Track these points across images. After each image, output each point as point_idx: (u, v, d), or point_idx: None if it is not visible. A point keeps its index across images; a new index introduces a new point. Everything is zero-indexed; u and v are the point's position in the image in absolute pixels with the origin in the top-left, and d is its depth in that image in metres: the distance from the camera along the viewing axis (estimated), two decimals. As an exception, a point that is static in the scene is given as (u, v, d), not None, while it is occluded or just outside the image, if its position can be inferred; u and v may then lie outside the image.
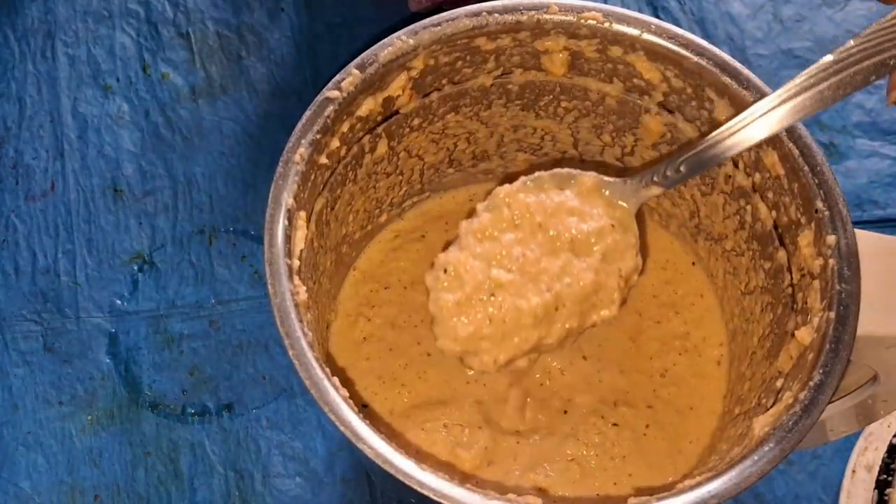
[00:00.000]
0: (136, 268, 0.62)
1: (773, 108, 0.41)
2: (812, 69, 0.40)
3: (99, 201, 0.64)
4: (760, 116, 0.41)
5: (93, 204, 0.63)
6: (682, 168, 0.44)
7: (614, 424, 0.48)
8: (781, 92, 0.41)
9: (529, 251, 0.44)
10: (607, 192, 0.45)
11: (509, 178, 0.49)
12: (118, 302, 0.61)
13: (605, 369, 0.49)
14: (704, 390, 0.49)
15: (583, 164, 0.53)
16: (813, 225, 0.42)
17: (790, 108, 0.41)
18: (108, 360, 0.59)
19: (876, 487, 0.55)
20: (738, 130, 0.42)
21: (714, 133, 0.43)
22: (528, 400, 0.48)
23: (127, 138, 0.66)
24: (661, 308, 0.51)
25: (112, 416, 0.58)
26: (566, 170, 0.46)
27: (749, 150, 0.43)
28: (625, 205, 0.45)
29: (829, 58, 0.40)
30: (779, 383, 0.42)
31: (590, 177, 0.46)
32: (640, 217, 0.46)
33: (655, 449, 0.47)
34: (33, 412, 0.58)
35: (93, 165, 0.65)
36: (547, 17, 0.46)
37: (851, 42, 0.40)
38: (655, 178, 0.45)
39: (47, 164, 0.64)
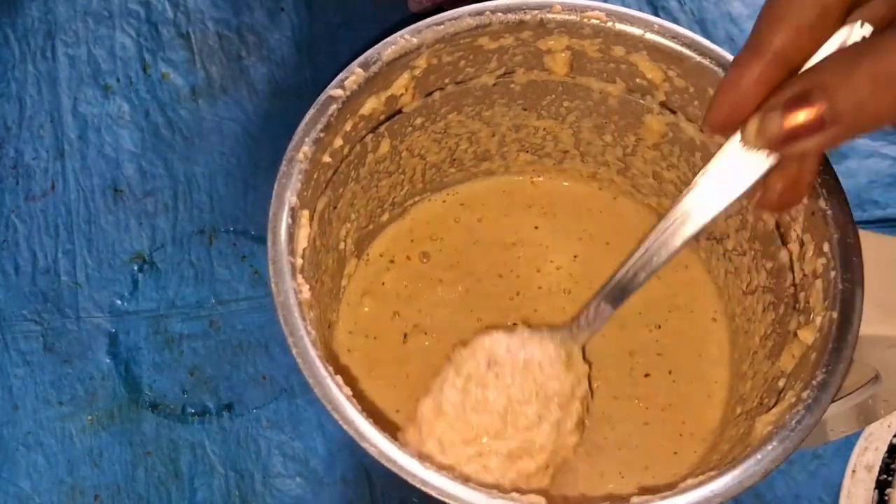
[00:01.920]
0: (136, 268, 0.62)
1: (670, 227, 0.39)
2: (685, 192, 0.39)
3: (99, 201, 0.63)
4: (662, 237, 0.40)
5: (93, 204, 0.63)
6: (602, 305, 0.43)
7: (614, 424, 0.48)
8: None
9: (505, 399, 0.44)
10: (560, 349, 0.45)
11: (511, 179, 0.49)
12: (118, 302, 0.61)
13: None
14: (706, 390, 0.49)
15: (584, 163, 0.53)
16: (815, 224, 0.42)
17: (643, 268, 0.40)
18: (108, 360, 0.59)
19: (876, 487, 0.55)
20: (644, 264, 0.41)
21: (621, 267, 0.42)
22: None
23: (127, 138, 0.66)
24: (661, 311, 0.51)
25: (112, 416, 0.58)
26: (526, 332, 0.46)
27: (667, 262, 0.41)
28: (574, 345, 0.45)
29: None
30: (781, 383, 0.42)
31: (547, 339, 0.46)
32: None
33: (657, 448, 0.47)
34: (33, 412, 0.58)
35: (93, 165, 0.64)
36: (550, 16, 0.46)
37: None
38: (583, 322, 0.44)
39: (47, 164, 0.64)
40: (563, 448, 0.45)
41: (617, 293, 0.42)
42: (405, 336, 0.50)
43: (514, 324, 0.50)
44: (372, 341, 0.50)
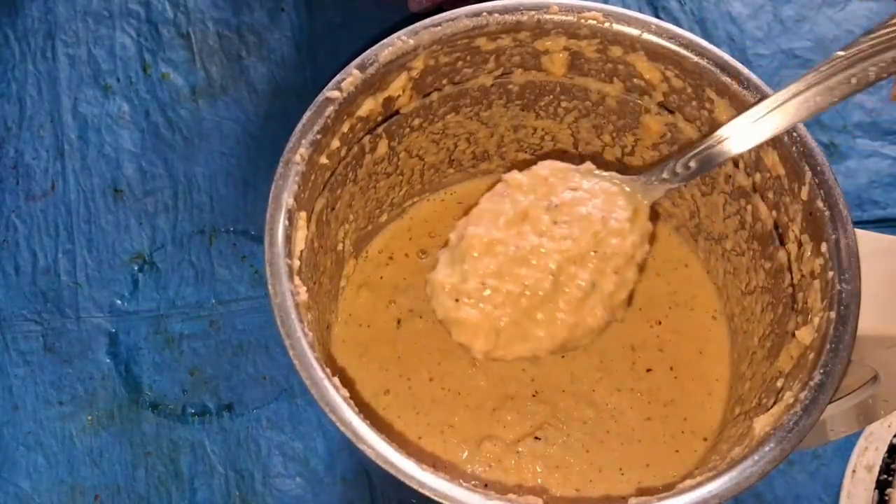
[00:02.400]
0: (136, 268, 0.62)
1: (785, 102, 0.41)
2: (822, 65, 0.40)
3: (99, 201, 0.64)
4: (771, 111, 0.41)
5: (93, 204, 0.63)
6: (691, 164, 0.43)
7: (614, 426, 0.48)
8: (792, 87, 0.40)
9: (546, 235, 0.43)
10: (627, 189, 0.45)
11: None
12: (118, 302, 0.61)
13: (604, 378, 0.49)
14: (707, 388, 0.49)
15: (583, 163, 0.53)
16: (813, 225, 0.42)
17: (800, 101, 0.40)
18: (108, 361, 0.59)
19: (876, 487, 0.55)
20: (750, 125, 0.42)
21: (723, 128, 0.42)
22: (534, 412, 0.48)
23: (127, 138, 0.66)
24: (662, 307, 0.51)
25: (112, 416, 0.58)
26: (585, 166, 0.45)
27: (761, 145, 0.42)
28: (643, 200, 0.45)
29: (839, 53, 0.40)
30: (779, 383, 0.42)
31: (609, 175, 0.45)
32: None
33: (659, 444, 0.47)
34: (33, 412, 0.58)
35: (93, 165, 0.65)
36: (547, 17, 0.46)
37: (861, 39, 0.39)
38: (665, 175, 0.44)
39: (47, 164, 0.64)
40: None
41: (706, 157, 0.42)
42: (399, 321, 0.50)
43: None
44: (366, 329, 0.50)
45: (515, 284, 0.42)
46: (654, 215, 0.50)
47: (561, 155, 0.53)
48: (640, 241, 0.44)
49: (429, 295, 0.44)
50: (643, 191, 0.44)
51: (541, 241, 0.43)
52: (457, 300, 0.42)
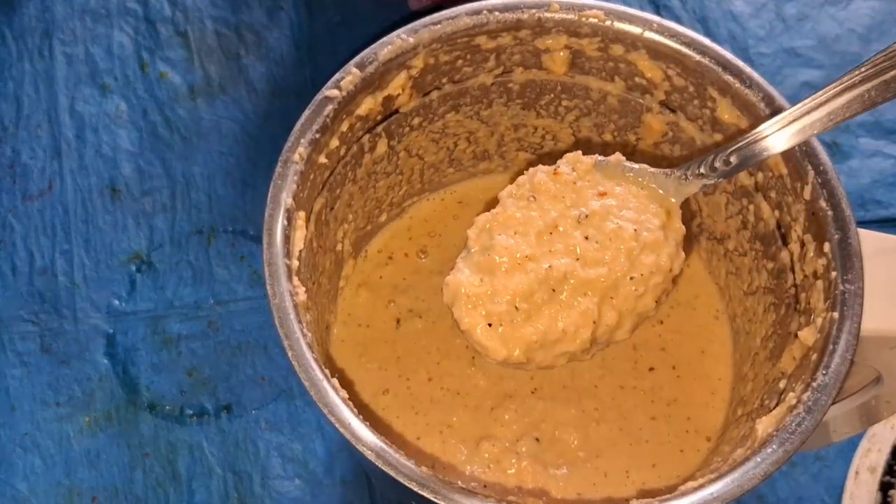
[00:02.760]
0: (134, 268, 0.62)
1: (835, 96, 0.39)
2: (875, 57, 0.38)
3: (97, 201, 0.63)
4: (820, 106, 0.39)
5: (90, 204, 0.63)
6: (732, 159, 0.41)
7: (620, 429, 0.47)
8: (845, 79, 0.39)
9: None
10: (655, 187, 0.43)
11: (511, 179, 0.49)
12: (116, 302, 0.60)
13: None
14: (710, 387, 0.49)
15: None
16: (816, 225, 0.42)
17: (853, 96, 0.38)
18: (105, 361, 0.59)
19: (879, 489, 0.55)
20: (795, 121, 0.40)
21: (767, 123, 0.41)
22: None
23: (125, 138, 0.65)
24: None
25: (110, 417, 0.58)
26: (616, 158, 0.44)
27: (805, 141, 0.41)
28: (673, 200, 0.43)
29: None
30: (782, 384, 0.41)
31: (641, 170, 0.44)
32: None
33: (665, 444, 0.47)
34: (31, 413, 0.57)
35: (90, 165, 0.64)
36: (548, 15, 0.46)
37: None
38: (702, 170, 0.42)
39: (45, 163, 0.64)
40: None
41: (748, 153, 0.41)
42: (398, 321, 0.50)
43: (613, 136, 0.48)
44: (365, 329, 0.50)
45: (548, 322, 0.41)
46: (689, 215, 0.49)
47: (562, 155, 0.52)
48: (676, 251, 0.43)
49: (447, 299, 0.42)
50: (676, 186, 0.43)
51: (575, 266, 0.41)
52: (490, 324, 0.41)
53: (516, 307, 0.41)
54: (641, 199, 0.43)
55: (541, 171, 0.44)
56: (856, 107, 0.39)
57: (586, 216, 0.42)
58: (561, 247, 0.42)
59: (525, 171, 0.44)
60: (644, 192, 0.43)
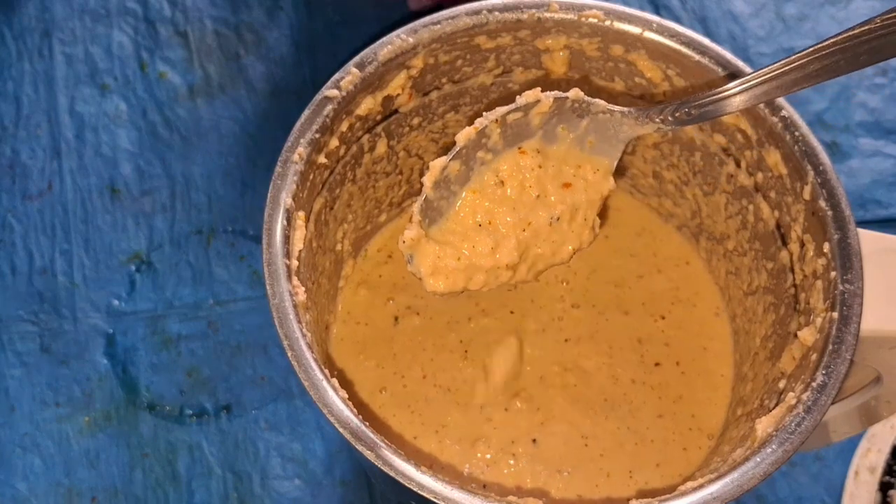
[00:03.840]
0: (133, 268, 0.62)
1: (788, 70, 0.39)
2: (825, 41, 0.38)
3: (96, 201, 0.63)
4: (785, 71, 0.39)
5: (90, 204, 0.63)
6: (693, 111, 0.42)
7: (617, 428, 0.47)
8: (794, 57, 0.39)
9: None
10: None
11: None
12: (115, 302, 0.60)
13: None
14: (712, 384, 0.49)
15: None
16: (816, 225, 0.42)
17: (819, 67, 0.38)
18: (105, 361, 0.59)
19: (879, 489, 0.55)
20: (753, 87, 0.40)
21: (732, 83, 0.41)
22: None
23: (124, 138, 0.65)
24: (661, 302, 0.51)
25: (109, 417, 0.57)
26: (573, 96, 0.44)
27: (755, 105, 0.41)
28: (605, 161, 0.45)
29: (853, 31, 0.38)
30: (781, 384, 0.41)
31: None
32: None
33: (669, 442, 0.47)
34: (30, 414, 0.57)
35: (90, 165, 0.64)
36: (548, 15, 0.46)
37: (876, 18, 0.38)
38: (661, 117, 0.42)
39: (44, 163, 0.64)
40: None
41: (709, 108, 0.41)
42: (396, 319, 0.50)
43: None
44: (364, 327, 0.50)
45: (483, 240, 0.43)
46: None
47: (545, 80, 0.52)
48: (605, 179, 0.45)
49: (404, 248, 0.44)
50: (630, 125, 0.43)
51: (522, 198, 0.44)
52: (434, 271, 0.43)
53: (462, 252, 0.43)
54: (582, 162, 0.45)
55: (490, 118, 0.43)
56: (823, 75, 0.39)
57: (557, 218, 0.44)
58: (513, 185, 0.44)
59: (483, 114, 0.44)
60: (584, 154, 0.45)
